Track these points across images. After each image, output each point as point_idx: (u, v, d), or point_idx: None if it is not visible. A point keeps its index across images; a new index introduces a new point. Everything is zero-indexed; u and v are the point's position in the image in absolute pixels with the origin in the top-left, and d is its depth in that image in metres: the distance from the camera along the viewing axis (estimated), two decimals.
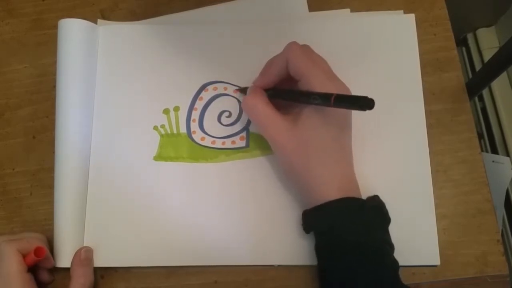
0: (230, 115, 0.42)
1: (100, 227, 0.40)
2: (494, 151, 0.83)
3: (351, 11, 0.44)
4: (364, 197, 0.35)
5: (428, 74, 0.42)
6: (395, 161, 0.39)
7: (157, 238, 0.39)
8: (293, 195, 0.39)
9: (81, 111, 0.41)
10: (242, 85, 0.42)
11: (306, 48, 0.36)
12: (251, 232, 0.39)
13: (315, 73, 0.34)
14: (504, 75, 0.85)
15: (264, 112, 0.36)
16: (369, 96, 0.29)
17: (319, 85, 0.33)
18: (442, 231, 0.38)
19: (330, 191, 0.33)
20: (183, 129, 0.42)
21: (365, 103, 0.29)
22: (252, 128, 0.41)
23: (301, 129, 0.34)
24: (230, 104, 0.42)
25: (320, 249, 0.35)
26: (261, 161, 0.40)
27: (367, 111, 0.29)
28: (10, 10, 0.48)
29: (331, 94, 0.31)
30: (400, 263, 0.33)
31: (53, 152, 0.41)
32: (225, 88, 0.43)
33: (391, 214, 0.35)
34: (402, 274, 0.33)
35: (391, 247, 0.34)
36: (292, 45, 0.36)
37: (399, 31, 0.43)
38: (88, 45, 0.43)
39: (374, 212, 0.34)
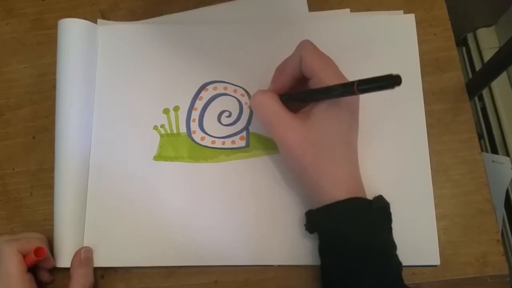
0: (230, 115, 0.42)
1: (100, 227, 0.40)
2: (494, 151, 0.83)
3: (351, 11, 0.44)
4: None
5: (428, 74, 0.42)
6: (395, 161, 0.39)
7: (157, 238, 0.39)
8: (293, 195, 0.39)
9: (81, 111, 0.41)
10: (242, 84, 0.42)
11: (316, 48, 0.36)
12: (251, 232, 0.39)
13: (327, 72, 0.34)
14: (504, 75, 0.85)
15: (273, 110, 0.35)
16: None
17: (331, 84, 0.33)
18: (442, 231, 0.38)
19: (338, 191, 0.33)
20: (183, 129, 0.42)
21: (393, 80, 0.26)
22: (252, 128, 0.41)
23: (311, 127, 0.34)
24: (230, 104, 0.42)
25: (325, 249, 0.35)
26: (261, 161, 0.40)
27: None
28: (10, 10, 0.48)
29: (353, 82, 0.29)
30: None
31: (53, 152, 0.41)
32: (225, 88, 0.43)
33: (391, 214, 0.35)
34: (403, 274, 0.33)
35: (393, 247, 0.34)
36: (306, 43, 0.35)
37: (399, 31, 0.43)
38: (88, 45, 0.43)
39: (380, 213, 0.34)
